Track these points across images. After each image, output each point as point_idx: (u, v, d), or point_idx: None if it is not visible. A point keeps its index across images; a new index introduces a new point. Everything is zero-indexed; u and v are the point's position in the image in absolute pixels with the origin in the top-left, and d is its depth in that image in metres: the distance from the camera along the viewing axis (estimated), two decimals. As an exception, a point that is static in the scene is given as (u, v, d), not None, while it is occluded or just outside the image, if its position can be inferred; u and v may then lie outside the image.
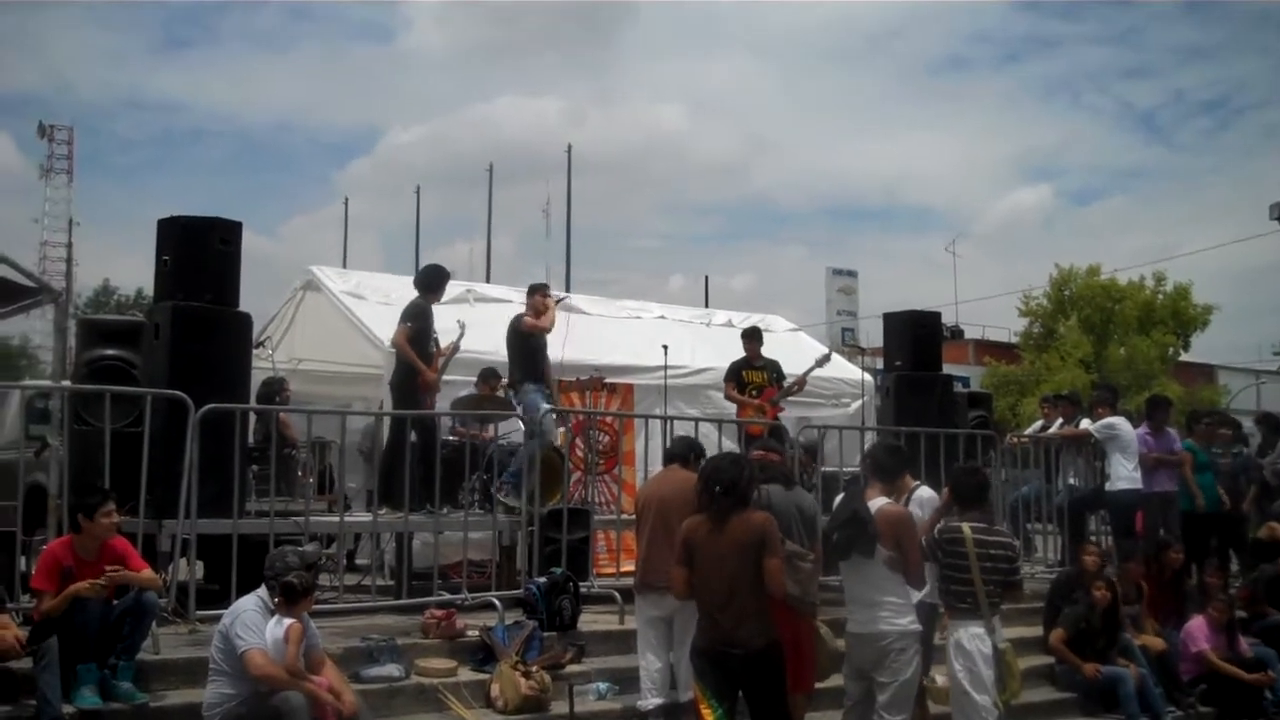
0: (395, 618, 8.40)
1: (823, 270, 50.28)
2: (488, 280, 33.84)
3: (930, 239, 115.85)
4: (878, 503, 6.50)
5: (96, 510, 6.56)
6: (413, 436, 9.44)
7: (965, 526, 6.73)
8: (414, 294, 10.25)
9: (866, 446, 8.59)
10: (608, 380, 11.92)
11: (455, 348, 10.45)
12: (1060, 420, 12.57)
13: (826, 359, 12.46)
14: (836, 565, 6.75)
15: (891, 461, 6.88)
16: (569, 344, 11.77)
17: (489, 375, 10.78)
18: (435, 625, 7.92)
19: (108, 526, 6.62)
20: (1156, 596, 10.27)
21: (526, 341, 10.40)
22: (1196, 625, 9.91)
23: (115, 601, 6.49)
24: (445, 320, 10.59)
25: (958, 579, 6.67)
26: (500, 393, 10.59)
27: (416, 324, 9.87)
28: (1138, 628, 9.89)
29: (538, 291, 10.77)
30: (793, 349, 13.87)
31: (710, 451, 7.63)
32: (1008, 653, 6.83)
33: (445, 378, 10.42)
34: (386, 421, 9.88)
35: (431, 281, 10.27)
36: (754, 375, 11.67)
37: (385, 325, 11.13)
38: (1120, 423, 11.63)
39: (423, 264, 12.87)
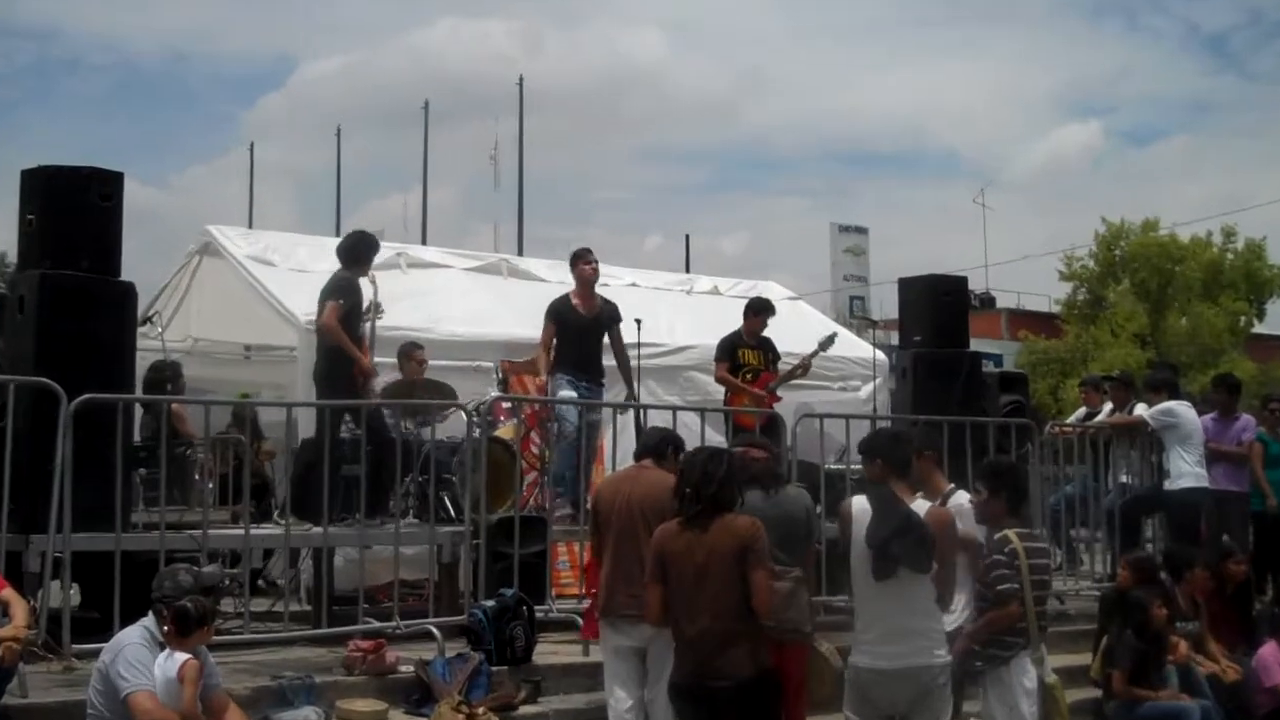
0: (313, 650, 8.38)
1: (827, 227, 50.29)
2: (424, 241, 33.83)
3: (955, 188, 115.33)
4: (919, 505, 6.52)
5: None
6: (349, 432, 9.41)
7: (1013, 535, 6.76)
8: (335, 261, 10.19)
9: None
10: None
11: (374, 309, 10.31)
12: (1110, 406, 12.63)
13: (831, 341, 12.44)
14: (848, 583, 6.76)
15: (903, 452, 6.86)
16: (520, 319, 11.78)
17: (408, 351, 10.82)
18: (361, 659, 7.90)
19: None
20: (1219, 615, 10.34)
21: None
22: (1269, 652, 9.96)
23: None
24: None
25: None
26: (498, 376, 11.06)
27: (349, 301, 9.82)
28: (1202, 651, 9.95)
29: (580, 260, 11.24)
30: (792, 322, 13.86)
31: (693, 446, 7.60)
32: (1055, 687, 6.89)
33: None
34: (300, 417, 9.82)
35: (357, 252, 10.20)
36: (750, 355, 11.66)
37: (299, 296, 11.08)
38: (1181, 408, 11.68)
39: (345, 222, 12.79)
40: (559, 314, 11.11)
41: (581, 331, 11.09)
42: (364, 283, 10.08)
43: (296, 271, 11.93)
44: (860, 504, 6.62)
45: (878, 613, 6.54)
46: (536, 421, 11.15)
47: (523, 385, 11.74)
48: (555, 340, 11.01)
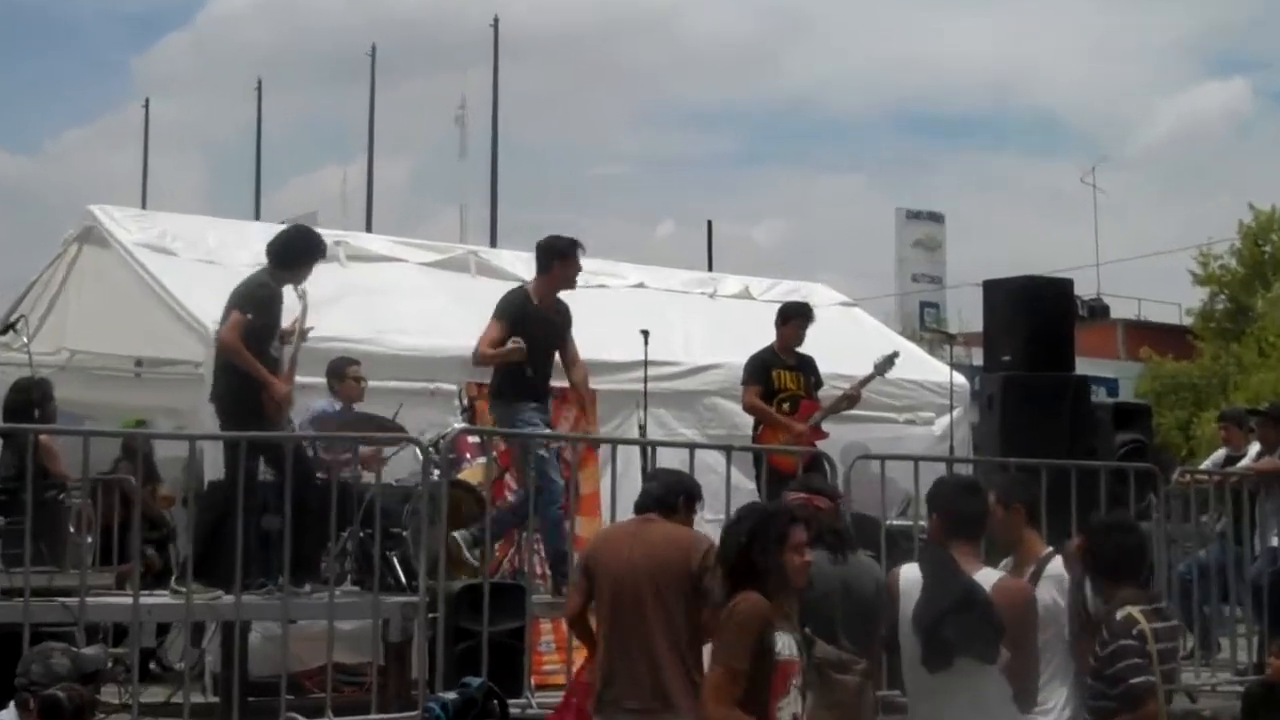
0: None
1: (891, 213, 50.45)
2: (368, 227, 33.94)
3: (1057, 164, 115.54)
4: (986, 575, 6.52)
5: None
6: (265, 473, 9.43)
7: (1139, 615, 6.76)
8: (253, 251, 10.18)
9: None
10: (555, 384, 11.90)
11: (300, 334, 10.29)
12: (1257, 447, 12.63)
13: (891, 362, 12.40)
14: (906, 671, 6.76)
15: (975, 507, 6.86)
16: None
17: (341, 369, 10.88)
18: (284, 766, 7.93)
19: None
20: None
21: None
22: None
23: None
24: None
25: None
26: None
27: (261, 317, 9.80)
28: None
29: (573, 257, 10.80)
30: (844, 333, 13.89)
31: (713, 494, 7.60)
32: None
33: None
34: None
35: (290, 255, 10.17)
36: (787, 378, 11.64)
37: (206, 296, 11.07)
38: (1347, 453, 11.70)
39: (267, 201, 12.81)
40: (519, 313, 10.55)
41: (542, 338, 10.60)
42: (290, 292, 10.08)
43: (203, 263, 11.94)
44: (910, 574, 6.63)
45: (934, 713, 6.57)
46: (511, 461, 11.13)
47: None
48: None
